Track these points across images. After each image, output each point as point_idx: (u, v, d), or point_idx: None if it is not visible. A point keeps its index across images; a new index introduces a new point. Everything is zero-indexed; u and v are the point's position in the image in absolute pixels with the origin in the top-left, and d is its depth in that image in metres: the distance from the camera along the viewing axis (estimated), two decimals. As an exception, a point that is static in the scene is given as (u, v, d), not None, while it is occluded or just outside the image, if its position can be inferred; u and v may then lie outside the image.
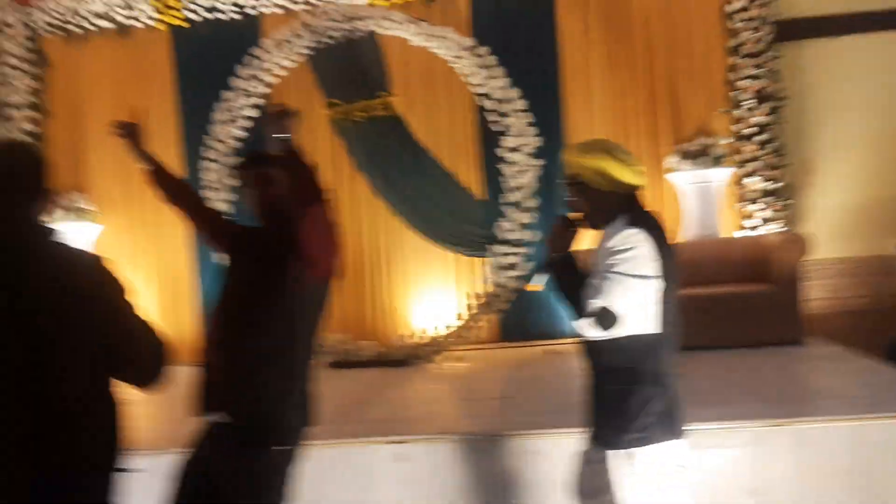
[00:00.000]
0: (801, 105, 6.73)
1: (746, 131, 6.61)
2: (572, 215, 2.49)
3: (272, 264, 2.57)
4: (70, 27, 7.31)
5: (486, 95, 6.23)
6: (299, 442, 2.62)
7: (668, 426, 2.40)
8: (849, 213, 6.74)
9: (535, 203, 6.19)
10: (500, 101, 6.15)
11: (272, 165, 2.69)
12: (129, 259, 7.18)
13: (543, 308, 6.62)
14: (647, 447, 2.37)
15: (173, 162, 7.14)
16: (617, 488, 2.42)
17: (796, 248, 5.57)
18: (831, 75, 6.75)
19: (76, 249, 2.11)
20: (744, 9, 6.58)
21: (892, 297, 6.66)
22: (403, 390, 5.39)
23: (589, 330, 2.36)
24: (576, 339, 2.56)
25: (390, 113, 6.68)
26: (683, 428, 2.45)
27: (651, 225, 2.39)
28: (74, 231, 7.02)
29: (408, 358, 6.12)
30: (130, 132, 2.95)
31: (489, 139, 6.64)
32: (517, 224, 6.10)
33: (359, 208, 6.92)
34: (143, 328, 2.11)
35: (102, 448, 2.01)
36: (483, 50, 6.23)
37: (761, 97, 6.57)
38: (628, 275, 2.31)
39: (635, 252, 2.32)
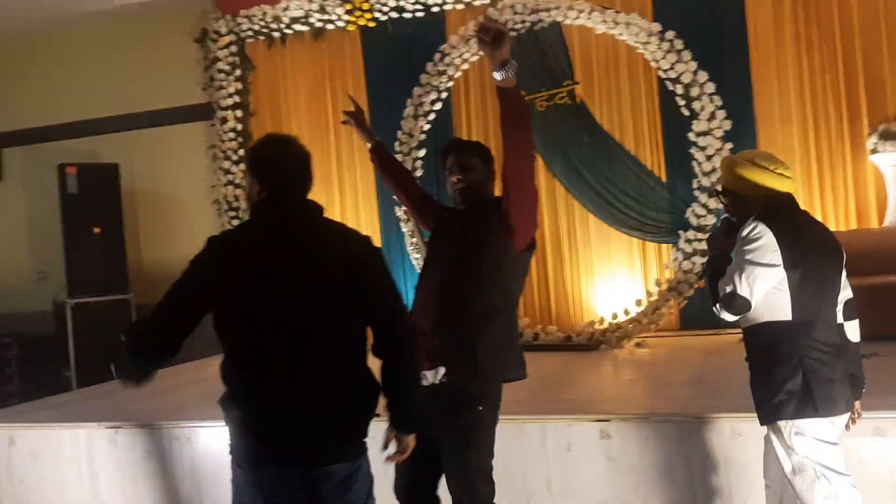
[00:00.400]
0: None
1: (957, 108, 6.15)
2: (732, 219, 2.79)
3: (479, 242, 2.81)
4: (272, 32, 7.89)
5: (674, 80, 6.17)
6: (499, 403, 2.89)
7: (805, 404, 2.59)
8: None
9: (725, 187, 6.07)
10: (688, 84, 6.07)
11: (471, 152, 2.97)
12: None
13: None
14: (781, 422, 2.63)
15: (365, 157, 7.57)
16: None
17: None
18: None
19: (350, 228, 2.39)
20: (954, -22, 6.12)
21: None
22: (596, 373, 5.48)
23: (723, 313, 2.64)
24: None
25: (574, 101, 6.75)
26: (830, 409, 2.63)
27: (787, 221, 2.63)
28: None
29: (594, 343, 6.18)
30: (356, 117, 3.40)
31: (672, 124, 6.61)
32: (707, 209, 6.00)
33: (542, 196, 7.04)
34: (402, 307, 2.36)
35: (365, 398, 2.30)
36: (670, 34, 6.18)
37: (973, 72, 6.10)
38: (754, 263, 2.57)
39: (759, 242, 2.58)
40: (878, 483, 3.50)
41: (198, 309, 2.22)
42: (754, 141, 6.53)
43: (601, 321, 6.45)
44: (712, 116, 6.03)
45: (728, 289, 2.59)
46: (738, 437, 3.65)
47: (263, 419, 2.18)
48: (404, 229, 7.24)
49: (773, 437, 2.70)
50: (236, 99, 7.98)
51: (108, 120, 8.50)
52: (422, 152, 7.08)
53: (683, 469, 3.71)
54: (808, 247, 2.63)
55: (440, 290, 2.85)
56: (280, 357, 2.17)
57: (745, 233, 2.63)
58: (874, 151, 6.27)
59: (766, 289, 2.59)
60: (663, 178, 6.72)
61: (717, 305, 2.65)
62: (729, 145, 6.04)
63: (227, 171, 7.96)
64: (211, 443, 4.27)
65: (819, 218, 6.36)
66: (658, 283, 6.30)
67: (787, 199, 2.71)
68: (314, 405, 2.19)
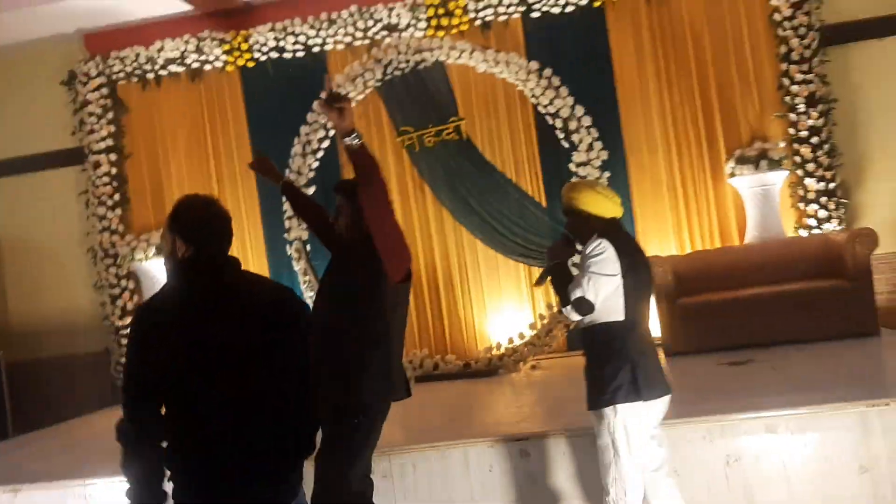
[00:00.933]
0: (851, 106, 6.96)
1: (800, 134, 6.84)
2: (569, 235, 3.32)
3: (353, 277, 3.16)
4: (145, 74, 7.72)
5: (553, 114, 6.54)
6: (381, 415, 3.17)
7: (634, 391, 3.12)
8: (903, 207, 6.94)
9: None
10: (567, 118, 6.45)
11: (339, 194, 3.29)
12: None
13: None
14: (614, 407, 3.12)
15: (251, 192, 7.55)
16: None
17: (868, 243, 5.79)
18: (878, 76, 6.98)
19: (273, 281, 2.73)
20: (791, 17, 6.83)
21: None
22: (501, 396, 5.67)
23: (572, 314, 3.18)
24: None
25: (460, 136, 7.00)
26: (652, 394, 3.16)
27: (619, 238, 3.18)
28: (157, 265, 7.39)
29: (492, 368, 6.38)
30: (261, 165, 3.75)
31: (549, 154, 7.00)
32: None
33: (432, 228, 7.24)
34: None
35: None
36: (548, 71, 6.55)
37: (812, 101, 6.81)
38: (598, 273, 3.10)
39: (603, 255, 3.11)
40: (772, 476, 3.85)
41: (158, 379, 2.32)
42: (626, 169, 7.00)
43: (497, 346, 6.67)
44: (590, 148, 6.44)
45: (578, 294, 3.11)
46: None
47: (210, 470, 2.30)
48: (296, 268, 7.23)
49: (596, 420, 3.20)
50: (109, 142, 7.73)
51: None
52: (311, 189, 7.10)
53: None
54: (635, 260, 3.21)
55: (321, 320, 3.07)
56: (222, 414, 2.30)
57: (591, 248, 3.14)
58: (732, 175, 6.86)
59: (607, 294, 3.12)
60: (543, 204, 7.05)
61: (567, 308, 3.16)
62: (607, 174, 6.47)
63: (103, 217, 7.67)
64: (111, 498, 4.17)
65: (687, 238, 6.95)
66: (549, 307, 6.60)
67: (618, 221, 3.28)
68: (254, 454, 2.32)
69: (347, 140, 2.85)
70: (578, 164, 6.50)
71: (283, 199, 3.72)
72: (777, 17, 6.88)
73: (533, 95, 6.69)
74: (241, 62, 7.58)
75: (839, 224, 6.74)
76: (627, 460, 3.16)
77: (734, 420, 3.93)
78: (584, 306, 3.11)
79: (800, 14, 6.82)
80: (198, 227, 2.40)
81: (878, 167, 6.98)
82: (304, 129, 7.13)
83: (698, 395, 4.52)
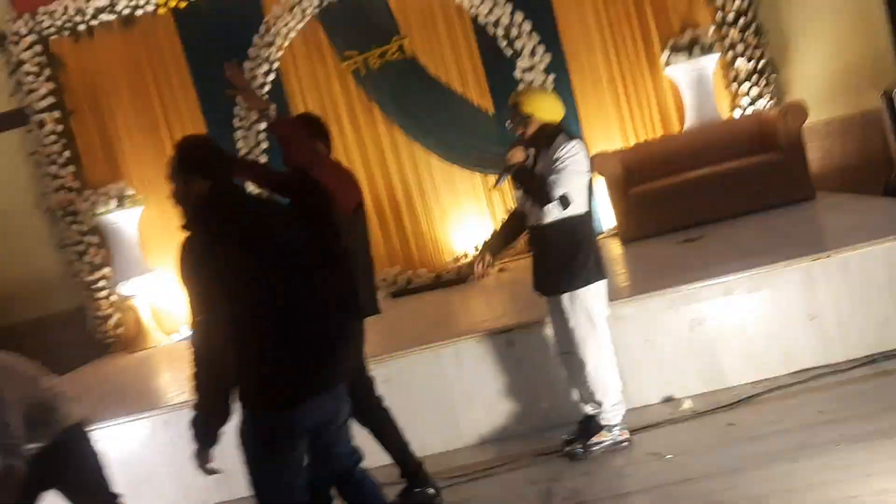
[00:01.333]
0: (774, -16, 7.25)
1: (728, 18, 7.12)
2: (524, 139, 3.60)
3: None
4: (77, 26, 7.59)
5: (494, 23, 6.69)
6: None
7: (598, 272, 3.63)
8: (830, 77, 7.31)
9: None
10: (507, 26, 6.62)
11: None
12: (176, 234, 7.64)
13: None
14: (589, 286, 3.59)
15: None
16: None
17: (798, 115, 6.18)
18: (796, -47, 7.26)
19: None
20: None
21: (877, 148, 7.30)
22: (476, 299, 6.02)
23: (554, 210, 3.50)
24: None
25: (404, 55, 7.12)
26: (607, 273, 3.73)
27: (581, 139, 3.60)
28: (123, 217, 7.47)
29: (462, 276, 6.71)
30: (240, 84, 3.45)
31: (492, 62, 7.16)
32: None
33: (386, 149, 7.42)
34: None
35: None
36: (487, -19, 6.68)
37: (737, -18, 7.07)
38: (575, 171, 3.46)
39: (578, 154, 3.48)
40: (732, 333, 4.28)
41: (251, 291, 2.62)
42: (566, 71, 7.21)
43: (465, 255, 6.98)
44: (533, 52, 6.63)
45: (561, 190, 3.45)
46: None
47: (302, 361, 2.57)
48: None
49: (568, 303, 3.61)
50: (51, 100, 7.63)
51: None
52: (262, 125, 7.18)
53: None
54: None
55: None
56: (302, 311, 2.56)
57: (566, 148, 3.47)
58: (668, 64, 7.15)
59: (580, 189, 3.52)
60: (491, 112, 7.24)
61: (549, 204, 3.48)
62: (552, 76, 6.69)
63: (56, 176, 7.65)
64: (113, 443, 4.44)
65: (631, 130, 7.25)
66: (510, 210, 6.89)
67: (564, 124, 3.66)
68: (328, 342, 2.61)
69: (265, 122, 3.17)
70: (524, 70, 6.72)
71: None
72: None
73: (472, 6, 6.82)
74: (172, 3, 7.49)
75: (771, 100, 7.12)
76: (603, 329, 3.65)
77: (695, 288, 4.32)
78: (566, 201, 3.49)
79: None
80: (214, 161, 2.62)
81: (802, 43, 7.31)
82: (247, 65, 7.16)
83: (660, 272, 4.91)
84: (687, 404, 4.19)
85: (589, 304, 3.62)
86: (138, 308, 7.64)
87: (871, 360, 4.11)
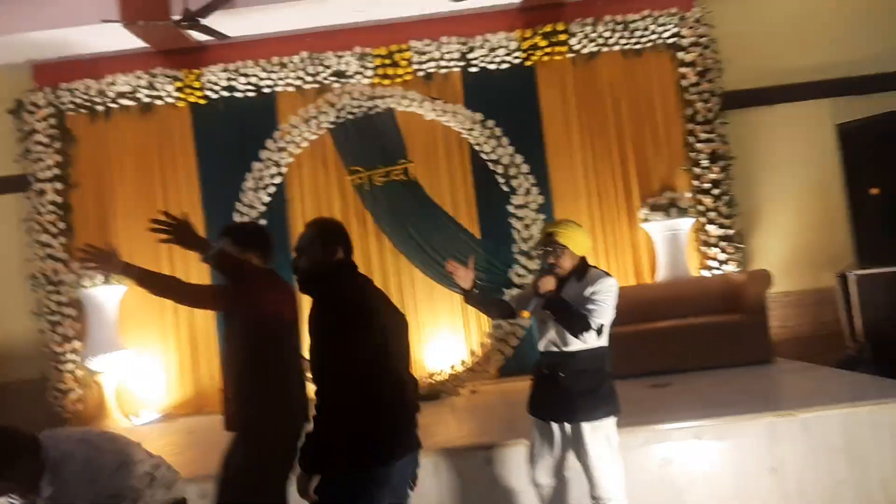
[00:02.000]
0: (747, 162, 7.96)
1: (703, 186, 7.77)
2: (553, 268, 3.71)
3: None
4: (95, 106, 7.93)
5: (495, 161, 7.22)
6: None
7: (616, 405, 3.70)
8: (792, 252, 7.95)
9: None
10: (507, 166, 7.14)
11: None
12: (156, 314, 7.77)
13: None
14: (610, 417, 3.66)
15: (199, 227, 7.82)
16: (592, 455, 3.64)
17: (763, 282, 6.69)
18: (768, 137, 8.03)
19: None
20: (696, 83, 7.81)
21: (830, 323, 7.85)
22: (451, 416, 6.18)
23: (590, 339, 3.59)
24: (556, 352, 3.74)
25: (407, 177, 7.58)
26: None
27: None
28: (106, 293, 7.57)
29: (434, 392, 6.90)
30: (178, 233, 3.49)
31: (484, 196, 7.69)
32: (527, 270, 7.06)
33: (374, 259, 7.76)
34: None
35: None
36: (490, 123, 7.24)
37: (714, 157, 7.77)
38: (613, 305, 3.62)
39: (615, 292, 3.65)
40: (698, 476, 4.53)
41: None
42: (552, 213, 7.73)
43: (440, 373, 7.20)
44: (528, 192, 7.14)
45: (601, 321, 3.58)
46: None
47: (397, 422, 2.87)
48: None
49: (590, 432, 3.62)
50: (56, 171, 7.87)
51: None
52: (262, 222, 7.49)
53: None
54: None
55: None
56: (394, 376, 2.86)
57: (606, 282, 3.64)
58: (645, 220, 7.71)
59: (609, 323, 3.67)
60: (478, 236, 7.68)
61: (587, 334, 3.56)
62: (542, 216, 7.17)
63: (46, 245, 7.77)
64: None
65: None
66: (489, 336, 7.20)
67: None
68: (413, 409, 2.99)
69: (203, 259, 3.38)
70: (517, 207, 7.21)
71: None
72: (684, 83, 7.84)
73: (477, 143, 7.37)
74: (192, 99, 7.91)
75: (737, 266, 7.68)
76: (621, 465, 3.69)
77: (667, 429, 4.60)
78: (601, 333, 3.62)
79: (704, 81, 7.79)
80: (347, 237, 3.05)
81: (769, 217, 7.99)
82: (256, 166, 7.53)
83: (634, 410, 5.16)
84: (652, 540, 4.38)
85: (611, 435, 3.67)
86: (103, 385, 7.62)
87: (824, 517, 4.38)
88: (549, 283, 3.66)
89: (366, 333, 2.76)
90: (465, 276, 3.83)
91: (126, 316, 7.77)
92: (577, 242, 3.71)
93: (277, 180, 7.60)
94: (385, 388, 2.78)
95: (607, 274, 3.71)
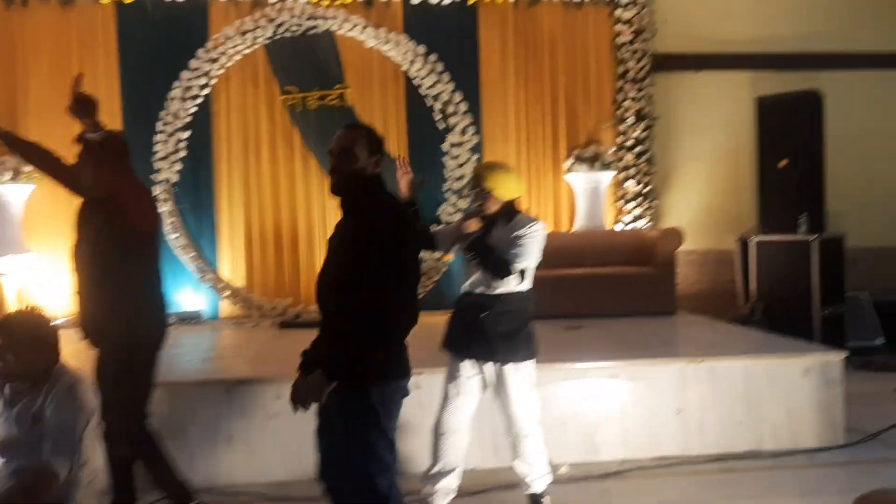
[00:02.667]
0: (668, 124, 8.29)
1: (627, 143, 8.05)
2: (479, 211, 3.72)
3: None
4: (11, -8, 7.41)
5: (434, 97, 7.23)
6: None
7: (536, 348, 3.80)
8: (698, 213, 8.39)
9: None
10: (445, 103, 7.17)
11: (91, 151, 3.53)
12: (64, 218, 7.44)
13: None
14: (530, 360, 3.76)
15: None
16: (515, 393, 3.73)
17: (675, 240, 7.07)
18: (691, 101, 8.38)
19: None
20: (630, 42, 8.01)
21: (725, 283, 8.36)
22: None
23: (513, 282, 3.67)
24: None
25: (343, 103, 7.48)
26: None
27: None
28: (12, 191, 7.21)
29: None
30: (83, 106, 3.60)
31: (414, 127, 7.73)
32: (456, 209, 7.18)
33: (298, 182, 7.70)
34: None
35: None
36: (433, 56, 7.22)
37: (640, 116, 8.05)
38: (537, 248, 3.67)
39: (541, 237, 3.70)
40: (611, 414, 4.83)
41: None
42: (481, 153, 7.83)
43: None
44: (464, 132, 7.22)
45: (523, 264, 3.64)
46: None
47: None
48: (161, 209, 7.34)
49: (513, 375, 3.69)
50: (-38, 58, 7.35)
51: None
52: (186, 133, 7.28)
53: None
54: None
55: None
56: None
57: (532, 227, 3.67)
58: (569, 171, 7.94)
59: (534, 266, 3.74)
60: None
61: (510, 277, 3.63)
62: (476, 156, 7.27)
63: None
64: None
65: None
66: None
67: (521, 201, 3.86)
68: None
69: (90, 136, 3.37)
70: (452, 145, 7.28)
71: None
72: (619, 40, 8.04)
73: (416, 77, 7.34)
74: (118, -4, 7.51)
75: (648, 221, 8.04)
76: (537, 401, 3.83)
77: (584, 367, 4.87)
78: (524, 276, 3.68)
79: (638, 41, 8.01)
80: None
81: (682, 178, 8.39)
82: (185, 75, 7.24)
83: (551, 349, 5.38)
84: (564, 469, 4.66)
85: (531, 377, 3.76)
86: (3, 287, 7.30)
87: (720, 458, 4.77)
88: (472, 226, 3.68)
89: (408, 250, 2.73)
90: (473, 222, 3.71)
91: (32, 217, 7.43)
92: (506, 187, 3.68)
93: (206, 91, 7.35)
94: (411, 304, 2.72)
95: (535, 219, 3.75)
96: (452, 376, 3.83)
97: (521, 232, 3.64)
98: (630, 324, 6.56)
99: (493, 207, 3.68)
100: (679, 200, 8.40)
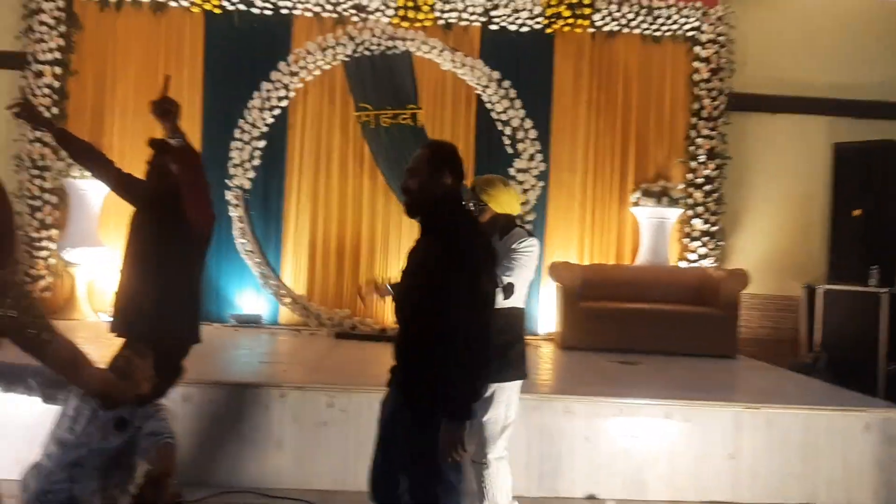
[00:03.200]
0: (740, 164, 8.17)
1: (697, 180, 7.95)
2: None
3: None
4: (107, -5, 7.75)
5: (504, 122, 7.29)
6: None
7: (523, 369, 3.60)
8: (765, 256, 8.22)
9: (533, 216, 7.39)
10: (515, 128, 7.22)
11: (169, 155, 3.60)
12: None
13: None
14: (517, 381, 3.57)
15: (194, 134, 7.75)
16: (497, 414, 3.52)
17: (740, 281, 6.94)
18: (766, 143, 8.23)
19: None
20: (707, 80, 7.95)
21: (788, 330, 8.18)
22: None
23: (498, 297, 3.31)
24: None
25: (414, 123, 7.61)
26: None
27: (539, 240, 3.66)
28: (92, 186, 7.50)
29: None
30: (28, 111, 3.72)
31: (482, 151, 7.79)
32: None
33: (365, 197, 7.84)
34: None
35: None
36: (507, 83, 7.30)
37: (712, 154, 7.95)
38: (526, 266, 3.50)
39: (534, 252, 3.54)
40: (661, 452, 4.75)
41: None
42: (547, 180, 7.84)
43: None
44: (532, 158, 7.25)
45: (508, 280, 3.43)
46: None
47: None
48: (232, 213, 7.56)
49: (496, 393, 3.45)
50: (57, 55, 7.69)
51: None
52: (261, 143, 7.49)
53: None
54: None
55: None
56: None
57: (524, 242, 3.51)
58: (636, 204, 7.88)
59: (525, 284, 3.56)
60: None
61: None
62: (542, 183, 7.29)
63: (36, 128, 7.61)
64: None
65: (587, 249, 7.87)
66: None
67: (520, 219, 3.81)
68: None
69: (172, 140, 3.39)
70: (519, 170, 7.32)
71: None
72: (696, 77, 7.97)
73: (489, 101, 7.42)
74: (207, 7, 7.77)
75: (714, 262, 7.91)
76: (511, 432, 3.60)
77: (640, 403, 4.80)
78: (508, 292, 3.46)
79: (715, 79, 7.94)
80: (459, 162, 2.89)
81: (751, 220, 8.24)
82: (266, 86, 7.48)
83: (604, 383, 5.41)
84: (609, 504, 4.61)
85: (512, 399, 3.57)
86: (76, 278, 7.58)
87: (770, 507, 4.65)
88: None
89: (493, 274, 2.74)
90: None
91: (108, 212, 7.70)
92: (500, 201, 3.60)
93: (284, 103, 7.56)
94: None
95: (530, 234, 3.64)
96: None
97: (514, 245, 3.52)
98: (688, 363, 6.46)
99: (483, 218, 3.56)
100: (746, 242, 8.26)
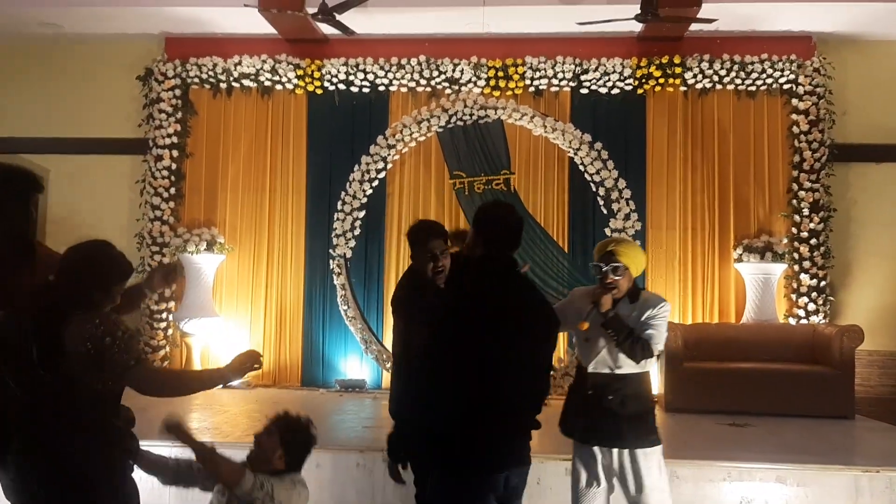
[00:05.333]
0: (846, 216, 7.92)
1: (801, 234, 7.73)
2: (610, 287, 3.52)
3: None
4: (219, 83, 8.31)
5: (598, 183, 7.35)
6: None
7: (659, 433, 3.58)
8: (879, 312, 7.86)
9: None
10: (609, 189, 7.27)
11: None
12: (248, 286, 8.13)
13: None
14: (659, 445, 3.56)
15: (299, 206, 8.14)
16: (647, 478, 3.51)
17: (855, 338, 6.65)
18: (872, 193, 7.97)
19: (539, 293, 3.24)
20: (807, 131, 7.79)
21: (910, 388, 7.75)
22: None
23: (648, 364, 3.51)
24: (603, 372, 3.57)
25: (508, 188, 7.77)
26: None
27: None
28: (207, 260, 7.93)
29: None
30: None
31: (577, 212, 7.86)
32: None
33: (465, 266, 7.93)
34: None
35: None
36: (598, 144, 7.38)
37: (816, 207, 7.73)
38: (665, 331, 3.54)
39: (668, 316, 3.57)
40: (776, 519, 4.57)
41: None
42: (645, 239, 7.80)
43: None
44: (627, 217, 7.26)
45: (660, 346, 3.51)
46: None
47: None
48: (336, 282, 7.85)
49: (644, 459, 3.48)
50: (174, 140, 8.26)
51: (31, 141, 8.43)
52: (361, 213, 7.80)
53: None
54: None
55: None
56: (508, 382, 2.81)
57: (664, 307, 3.54)
58: (739, 260, 7.72)
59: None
60: (566, 251, 7.87)
61: (646, 358, 3.45)
62: (638, 242, 7.25)
63: (157, 207, 8.17)
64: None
65: (690, 310, 7.71)
66: (568, 350, 7.34)
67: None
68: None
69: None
70: (614, 230, 7.33)
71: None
72: (795, 129, 7.83)
73: (582, 164, 7.51)
74: (310, 88, 8.21)
75: (824, 318, 7.62)
76: (669, 493, 3.60)
77: (750, 467, 4.66)
78: (656, 358, 3.54)
79: (815, 130, 7.77)
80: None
81: (861, 274, 7.92)
82: (365, 159, 7.83)
83: (714, 446, 5.26)
84: (722, 573, 4.45)
85: (661, 462, 3.55)
86: (192, 347, 7.97)
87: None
88: (608, 302, 3.48)
89: (479, 335, 2.75)
90: (608, 298, 3.51)
91: (220, 283, 8.12)
92: (638, 263, 3.56)
93: (382, 175, 7.87)
94: (496, 394, 2.74)
95: (662, 298, 3.61)
96: (585, 464, 3.60)
97: (654, 312, 3.50)
98: (801, 425, 6.20)
99: (625, 285, 3.53)
100: (857, 297, 7.93)
